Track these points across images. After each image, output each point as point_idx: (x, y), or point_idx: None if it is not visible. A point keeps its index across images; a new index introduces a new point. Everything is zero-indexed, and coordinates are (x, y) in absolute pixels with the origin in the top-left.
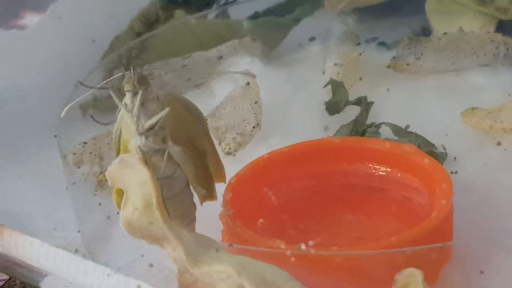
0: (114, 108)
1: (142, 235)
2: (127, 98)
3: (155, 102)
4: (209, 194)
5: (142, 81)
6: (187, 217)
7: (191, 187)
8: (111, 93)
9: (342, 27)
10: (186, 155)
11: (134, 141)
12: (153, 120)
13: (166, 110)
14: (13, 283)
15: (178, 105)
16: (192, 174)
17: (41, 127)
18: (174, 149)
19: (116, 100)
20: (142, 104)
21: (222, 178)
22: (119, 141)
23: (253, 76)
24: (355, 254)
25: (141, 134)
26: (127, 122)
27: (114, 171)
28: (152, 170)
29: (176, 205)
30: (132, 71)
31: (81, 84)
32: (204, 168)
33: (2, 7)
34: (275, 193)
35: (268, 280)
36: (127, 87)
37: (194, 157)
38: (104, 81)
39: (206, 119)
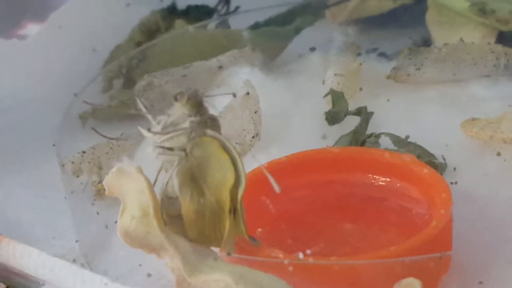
0: (113, 118)
1: (140, 245)
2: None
3: (187, 132)
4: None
5: (193, 108)
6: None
7: None
8: (138, 101)
9: (342, 37)
10: (193, 196)
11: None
12: (163, 139)
13: (172, 134)
14: None
15: (221, 155)
16: (189, 217)
17: (40, 136)
18: (174, 181)
19: (141, 105)
20: (176, 124)
21: (242, 235)
22: None
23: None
24: (354, 264)
25: (156, 146)
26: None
27: (112, 180)
28: (148, 179)
29: (176, 224)
30: (194, 93)
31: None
32: (215, 221)
33: (2, 16)
34: (274, 202)
35: None
36: (178, 102)
37: (208, 206)
38: None
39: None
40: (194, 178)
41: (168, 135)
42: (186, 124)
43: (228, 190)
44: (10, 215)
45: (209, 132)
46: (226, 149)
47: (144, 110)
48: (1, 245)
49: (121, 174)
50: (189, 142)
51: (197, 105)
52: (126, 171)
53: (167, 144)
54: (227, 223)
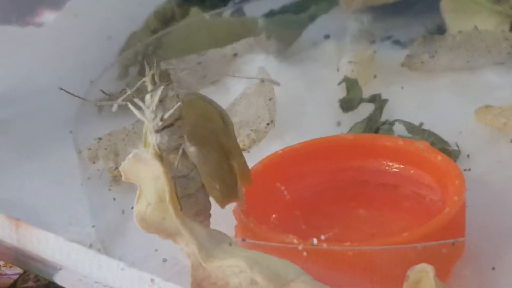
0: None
1: (156, 230)
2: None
3: (175, 101)
4: (233, 196)
5: (164, 78)
6: (200, 216)
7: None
8: (128, 90)
9: (357, 25)
10: (206, 156)
11: (150, 138)
12: (166, 116)
13: (177, 106)
14: (27, 277)
15: (204, 104)
16: (209, 175)
17: (57, 123)
18: (190, 150)
19: (134, 97)
20: (161, 101)
21: (248, 181)
22: (145, 138)
23: (277, 83)
24: (367, 250)
25: (156, 131)
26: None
27: (128, 166)
28: (165, 165)
29: (189, 204)
30: (155, 66)
31: (103, 92)
32: (229, 169)
33: (19, 4)
34: (288, 189)
35: (280, 274)
36: (148, 81)
37: (218, 158)
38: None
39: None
40: (198, 137)
41: (170, 112)
42: (171, 93)
43: (222, 134)
44: (27, 202)
45: (187, 91)
46: (203, 98)
47: (134, 98)
48: (19, 230)
49: (138, 160)
50: (183, 106)
51: (168, 74)
52: (142, 157)
53: (168, 122)
54: (234, 168)
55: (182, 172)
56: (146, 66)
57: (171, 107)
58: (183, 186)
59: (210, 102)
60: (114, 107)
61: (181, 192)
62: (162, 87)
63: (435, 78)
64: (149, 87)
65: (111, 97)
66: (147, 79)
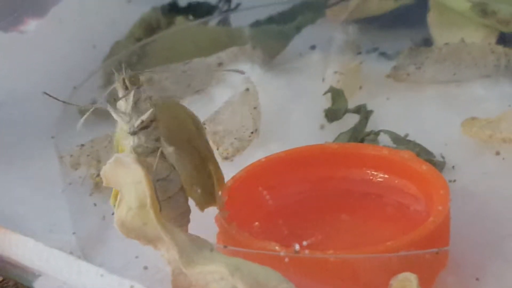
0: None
1: (136, 236)
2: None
3: (148, 103)
4: (211, 199)
5: (134, 81)
6: (180, 220)
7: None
8: (108, 106)
9: (343, 36)
10: (184, 157)
11: (127, 143)
12: (144, 117)
13: (151, 110)
14: (6, 285)
15: (177, 108)
16: (188, 177)
17: (39, 130)
18: (168, 150)
19: (109, 107)
20: (135, 103)
21: (221, 187)
22: (117, 145)
23: (242, 72)
24: (350, 258)
25: (133, 133)
26: (120, 124)
27: (109, 170)
28: (146, 169)
29: (169, 208)
30: (123, 70)
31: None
32: (206, 173)
33: (2, 10)
34: (272, 197)
35: (261, 281)
36: (118, 86)
37: (195, 160)
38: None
39: (205, 127)
40: (174, 139)
41: (147, 113)
42: (144, 95)
43: (197, 137)
44: (7, 208)
45: (159, 97)
46: (175, 102)
47: (109, 106)
48: None
49: (119, 164)
50: (156, 109)
51: (137, 77)
52: (124, 162)
53: (143, 125)
54: (212, 172)
55: (161, 175)
56: (115, 72)
57: (145, 109)
58: (163, 189)
59: (183, 107)
60: (79, 125)
61: (161, 195)
62: (133, 90)
63: (421, 90)
64: (120, 93)
65: (94, 103)
66: (117, 84)
